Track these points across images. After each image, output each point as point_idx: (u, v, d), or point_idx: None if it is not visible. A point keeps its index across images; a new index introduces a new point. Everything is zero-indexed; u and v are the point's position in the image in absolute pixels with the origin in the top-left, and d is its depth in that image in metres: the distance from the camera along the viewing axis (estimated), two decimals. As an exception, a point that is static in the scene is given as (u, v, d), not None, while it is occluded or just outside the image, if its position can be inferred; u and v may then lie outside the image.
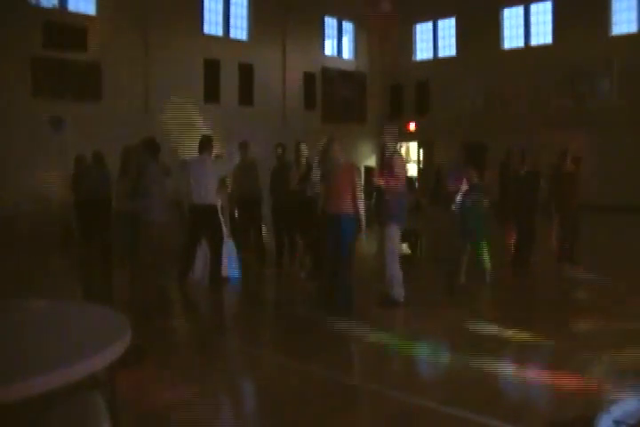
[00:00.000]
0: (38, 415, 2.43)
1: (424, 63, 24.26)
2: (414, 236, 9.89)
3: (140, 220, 7.39)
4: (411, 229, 9.81)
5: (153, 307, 6.91)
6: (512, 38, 22.04)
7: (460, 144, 8.03)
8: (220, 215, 8.28)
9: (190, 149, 9.24)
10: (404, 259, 9.66)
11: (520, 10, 21.77)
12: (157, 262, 7.18)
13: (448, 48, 23.69)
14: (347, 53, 24.49)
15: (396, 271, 6.81)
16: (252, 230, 9.74)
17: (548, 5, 20.97)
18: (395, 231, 6.86)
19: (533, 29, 21.56)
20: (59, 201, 12.40)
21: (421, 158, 24.15)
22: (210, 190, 7.86)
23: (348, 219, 6.57)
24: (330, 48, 23.83)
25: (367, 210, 6.90)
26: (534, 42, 21.56)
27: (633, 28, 19.37)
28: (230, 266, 8.47)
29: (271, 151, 9.57)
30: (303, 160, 8.73)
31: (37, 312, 3.14)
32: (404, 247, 10.35)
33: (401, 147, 7.15)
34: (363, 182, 7.42)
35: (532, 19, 21.55)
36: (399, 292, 6.85)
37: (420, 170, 23.83)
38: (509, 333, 5.95)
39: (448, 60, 23.41)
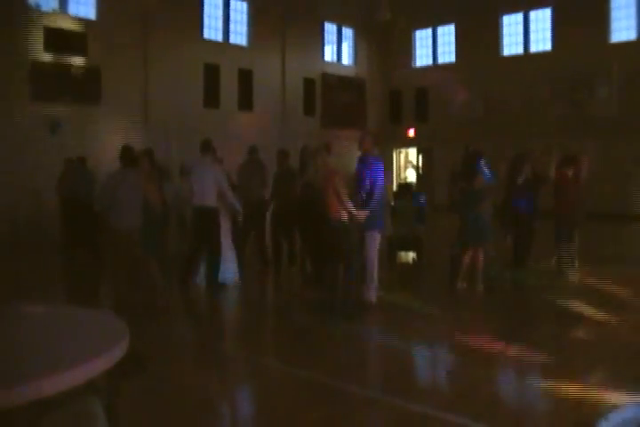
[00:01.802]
0: (36, 421, 2.41)
1: (423, 69, 24.31)
2: (417, 243, 9.88)
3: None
4: (414, 236, 9.81)
5: (144, 311, 6.90)
6: (511, 45, 22.08)
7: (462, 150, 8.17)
8: (227, 218, 8.29)
9: (189, 154, 9.28)
10: (407, 266, 9.68)
11: (519, 17, 21.82)
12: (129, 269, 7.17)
13: (447, 54, 23.74)
14: (346, 59, 24.54)
15: (375, 276, 7.01)
16: (253, 233, 9.69)
17: (548, 12, 21.02)
18: (375, 238, 6.97)
19: (533, 36, 21.59)
20: (52, 203, 12.41)
21: (420, 164, 24.15)
22: (208, 193, 7.86)
23: (340, 224, 6.61)
24: (329, 54, 23.87)
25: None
26: (533, 49, 21.60)
27: (632, 36, 19.41)
28: (230, 270, 8.48)
29: (273, 157, 9.57)
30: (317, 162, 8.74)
31: (35, 317, 3.13)
32: (406, 255, 10.36)
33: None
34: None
35: (532, 25, 21.59)
36: (373, 294, 7.04)
37: (419, 176, 23.83)
38: (505, 339, 5.95)
39: (447, 66, 23.45)
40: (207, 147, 8.25)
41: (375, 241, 6.96)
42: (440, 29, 23.92)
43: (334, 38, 23.91)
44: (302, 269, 8.82)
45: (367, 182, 6.89)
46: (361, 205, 6.79)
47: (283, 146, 10.13)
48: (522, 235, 9.33)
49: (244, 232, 9.49)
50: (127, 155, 7.17)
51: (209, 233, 7.95)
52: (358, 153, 7.28)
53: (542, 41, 21.34)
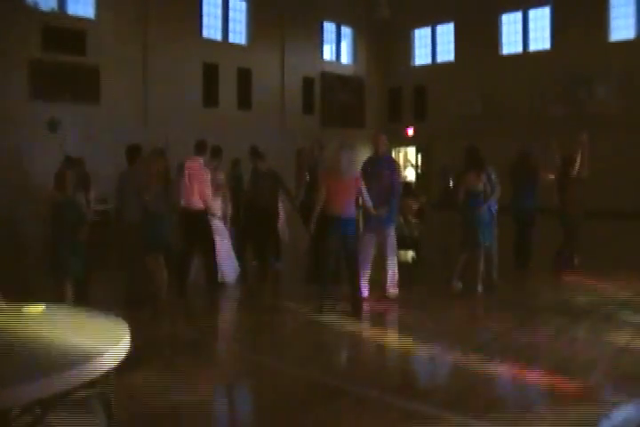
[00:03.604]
0: (37, 420, 2.41)
1: (422, 68, 24.30)
2: (417, 242, 9.84)
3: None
4: (413, 235, 9.77)
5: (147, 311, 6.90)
6: (510, 44, 22.07)
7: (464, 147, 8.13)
8: (217, 220, 8.25)
9: (187, 153, 9.24)
10: (407, 265, 9.63)
11: (518, 15, 21.81)
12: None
13: (446, 53, 23.73)
14: (345, 58, 24.53)
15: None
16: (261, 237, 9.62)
17: (547, 11, 21.02)
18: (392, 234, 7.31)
19: (532, 35, 21.58)
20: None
21: (419, 163, 24.16)
22: (195, 195, 7.78)
23: (352, 221, 6.70)
24: (328, 53, 23.85)
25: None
26: (532, 47, 21.59)
27: (631, 35, 19.42)
28: (229, 270, 8.46)
29: (271, 156, 9.54)
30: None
31: (37, 317, 3.13)
32: (406, 254, 10.33)
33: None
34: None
35: (531, 24, 21.58)
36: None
37: (418, 175, 23.84)
38: (506, 337, 5.95)
39: (446, 65, 23.45)
40: (201, 148, 8.16)
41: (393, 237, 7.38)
42: (439, 28, 23.90)
43: (333, 37, 23.89)
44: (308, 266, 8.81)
45: (386, 181, 7.17)
46: (380, 202, 7.04)
47: (282, 145, 10.07)
48: (529, 234, 9.32)
49: (247, 233, 9.47)
50: (129, 154, 7.27)
51: (198, 235, 7.93)
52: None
53: (541, 40, 21.33)
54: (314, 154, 8.86)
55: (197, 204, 7.79)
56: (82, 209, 6.69)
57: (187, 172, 7.91)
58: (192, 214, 7.82)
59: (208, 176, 7.93)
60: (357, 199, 7.02)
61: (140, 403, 4.21)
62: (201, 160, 8.06)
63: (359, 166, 7.27)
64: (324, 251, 6.87)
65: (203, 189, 7.78)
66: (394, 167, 7.49)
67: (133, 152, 7.33)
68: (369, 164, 7.48)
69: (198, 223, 7.86)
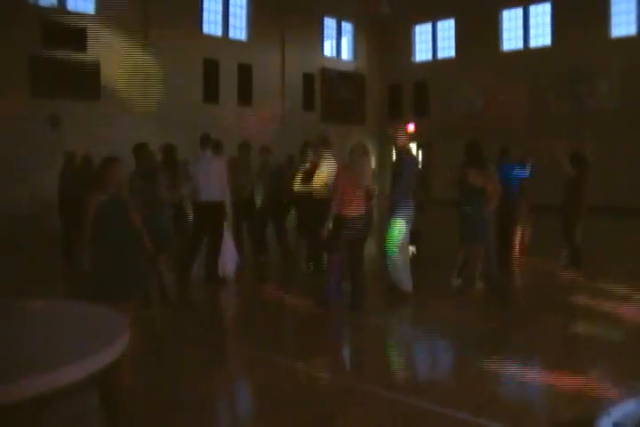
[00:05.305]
0: (36, 415, 2.41)
1: (423, 64, 24.28)
2: (418, 237, 9.80)
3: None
4: (415, 230, 9.74)
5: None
6: (511, 40, 22.05)
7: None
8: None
9: (188, 149, 9.26)
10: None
11: (519, 11, 21.78)
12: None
13: (447, 49, 23.70)
14: (346, 54, 24.49)
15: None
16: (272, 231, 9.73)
17: (548, 7, 20.98)
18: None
19: (532, 31, 21.56)
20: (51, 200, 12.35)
21: (420, 159, 24.13)
22: (214, 187, 7.88)
23: (361, 219, 6.66)
24: (329, 49, 23.83)
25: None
26: (533, 44, 21.57)
27: (632, 31, 19.39)
28: (229, 263, 8.45)
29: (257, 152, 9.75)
30: (308, 160, 8.75)
31: (36, 312, 3.13)
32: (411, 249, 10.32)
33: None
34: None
35: (532, 20, 21.56)
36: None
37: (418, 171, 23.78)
38: (507, 334, 5.96)
39: (447, 61, 23.42)
40: (207, 141, 8.22)
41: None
42: (440, 24, 23.87)
43: (334, 33, 23.86)
44: (308, 259, 8.84)
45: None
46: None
47: (282, 141, 10.13)
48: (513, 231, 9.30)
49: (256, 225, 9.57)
50: (136, 152, 7.24)
51: (214, 227, 7.99)
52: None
53: (542, 36, 21.30)
54: (320, 150, 8.85)
55: (216, 196, 7.85)
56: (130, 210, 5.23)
57: (203, 165, 7.97)
58: (210, 206, 7.88)
59: (223, 167, 8.02)
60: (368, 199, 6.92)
61: (140, 399, 4.21)
62: (209, 154, 8.14)
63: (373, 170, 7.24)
64: (333, 247, 6.82)
65: (222, 182, 7.89)
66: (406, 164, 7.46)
67: (140, 150, 7.27)
68: (398, 161, 7.53)
69: (215, 215, 7.93)
